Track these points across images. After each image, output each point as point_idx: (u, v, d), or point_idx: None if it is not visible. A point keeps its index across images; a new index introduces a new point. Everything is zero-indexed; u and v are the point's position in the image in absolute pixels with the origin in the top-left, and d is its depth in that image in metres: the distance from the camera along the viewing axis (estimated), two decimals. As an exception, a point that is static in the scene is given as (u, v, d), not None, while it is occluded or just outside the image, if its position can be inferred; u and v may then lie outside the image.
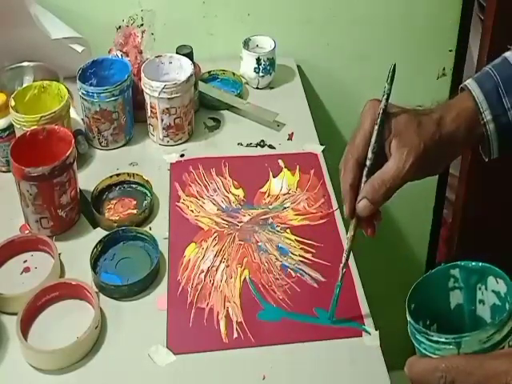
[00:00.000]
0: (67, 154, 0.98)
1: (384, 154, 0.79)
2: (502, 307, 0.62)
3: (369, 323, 0.89)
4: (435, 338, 0.58)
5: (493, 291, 0.63)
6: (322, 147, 1.19)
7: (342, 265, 0.84)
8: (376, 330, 0.88)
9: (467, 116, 0.80)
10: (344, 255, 0.84)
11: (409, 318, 0.61)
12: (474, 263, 0.64)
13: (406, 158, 0.77)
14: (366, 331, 0.88)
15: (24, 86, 1.17)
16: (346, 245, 0.84)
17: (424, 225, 1.73)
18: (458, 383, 0.56)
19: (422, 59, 1.49)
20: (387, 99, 0.80)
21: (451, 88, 1.53)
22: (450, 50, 1.49)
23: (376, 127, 0.79)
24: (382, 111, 0.79)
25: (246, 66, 1.32)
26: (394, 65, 0.81)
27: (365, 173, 0.80)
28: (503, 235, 1.58)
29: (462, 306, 0.66)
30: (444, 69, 1.51)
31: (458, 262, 0.65)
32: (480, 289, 0.64)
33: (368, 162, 0.79)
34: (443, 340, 0.58)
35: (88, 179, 1.10)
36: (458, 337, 0.57)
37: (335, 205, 1.07)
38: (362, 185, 0.80)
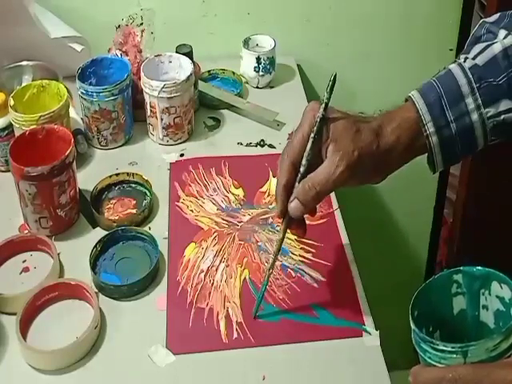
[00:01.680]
0: (66, 154, 0.98)
1: (321, 157, 0.79)
2: (506, 313, 0.62)
3: (369, 323, 0.89)
4: (441, 347, 0.57)
5: (497, 297, 0.63)
6: (322, 147, 1.18)
7: (268, 265, 0.86)
8: (376, 329, 0.88)
9: (409, 127, 0.79)
10: (271, 257, 0.86)
11: (413, 327, 0.60)
12: (477, 268, 0.63)
13: (337, 163, 0.77)
14: (367, 331, 0.88)
15: (23, 85, 1.17)
16: (274, 247, 0.86)
17: (424, 225, 1.72)
18: None
19: (422, 58, 1.49)
20: (325, 108, 0.79)
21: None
22: (451, 49, 1.48)
23: (312, 135, 0.78)
24: (319, 119, 0.78)
25: (246, 65, 1.32)
26: (335, 74, 0.80)
27: (298, 178, 0.80)
28: (504, 235, 1.58)
29: (465, 311, 0.65)
30: (445, 68, 1.51)
31: (461, 268, 0.64)
32: (483, 294, 0.64)
33: (302, 169, 0.80)
34: (449, 349, 0.57)
35: (87, 179, 1.10)
36: (464, 346, 0.56)
37: (335, 204, 1.07)
38: (295, 188, 0.80)
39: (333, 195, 1.08)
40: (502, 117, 0.78)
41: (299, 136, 0.80)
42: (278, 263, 0.97)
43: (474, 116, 0.78)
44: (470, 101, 0.78)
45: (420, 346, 0.60)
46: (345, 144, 0.77)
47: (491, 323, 0.64)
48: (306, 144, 0.79)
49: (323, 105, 0.79)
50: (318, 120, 0.78)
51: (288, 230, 0.84)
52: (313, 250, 0.99)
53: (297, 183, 0.80)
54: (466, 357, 0.56)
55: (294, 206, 0.80)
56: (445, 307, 0.65)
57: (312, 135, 0.79)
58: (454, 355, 0.57)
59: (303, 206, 0.80)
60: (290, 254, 0.99)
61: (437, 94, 0.79)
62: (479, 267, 0.63)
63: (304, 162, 0.79)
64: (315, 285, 0.95)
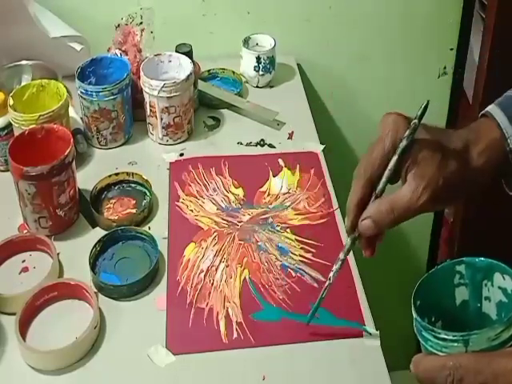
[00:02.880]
0: (66, 153, 0.98)
1: (399, 175, 0.73)
2: (509, 304, 0.62)
3: (369, 323, 0.89)
4: (442, 336, 0.57)
5: (499, 288, 0.63)
6: (323, 146, 1.18)
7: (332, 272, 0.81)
8: (376, 330, 0.88)
9: (496, 148, 0.74)
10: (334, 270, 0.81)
11: (415, 315, 0.61)
12: (480, 259, 0.63)
13: (421, 191, 0.71)
14: (367, 331, 0.88)
15: (22, 84, 1.17)
16: (336, 265, 0.80)
17: (424, 225, 1.72)
18: (466, 382, 0.56)
19: (422, 58, 1.49)
20: (413, 134, 0.72)
21: (452, 87, 1.53)
22: (451, 49, 1.48)
23: (396, 157, 0.72)
24: (406, 142, 0.72)
25: (246, 65, 1.32)
26: (428, 102, 0.72)
27: (374, 195, 0.74)
28: (504, 236, 1.57)
29: (467, 302, 0.65)
30: (445, 67, 1.51)
31: (464, 258, 0.64)
32: (486, 285, 0.64)
33: (380, 186, 0.74)
34: (451, 337, 0.57)
35: (87, 178, 1.10)
36: (465, 334, 0.56)
37: (335, 204, 1.06)
38: (370, 206, 0.74)
39: (333, 195, 1.08)
40: None
41: (380, 152, 0.73)
42: (278, 263, 0.97)
43: None
44: None
45: (421, 335, 0.60)
46: (430, 170, 0.71)
47: (493, 314, 0.64)
48: (386, 160, 0.73)
49: (411, 131, 0.72)
50: (406, 143, 0.71)
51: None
52: (313, 250, 0.99)
53: (373, 199, 0.74)
54: (468, 346, 0.56)
55: (366, 224, 0.74)
56: (447, 298, 0.65)
57: (396, 157, 0.72)
58: (456, 344, 0.57)
59: (376, 227, 0.74)
60: (290, 254, 0.99)
61: None
62: (482, 258, 0.63)
63: (384, 179, 0.73)
64: (315, 285, 0.94)
